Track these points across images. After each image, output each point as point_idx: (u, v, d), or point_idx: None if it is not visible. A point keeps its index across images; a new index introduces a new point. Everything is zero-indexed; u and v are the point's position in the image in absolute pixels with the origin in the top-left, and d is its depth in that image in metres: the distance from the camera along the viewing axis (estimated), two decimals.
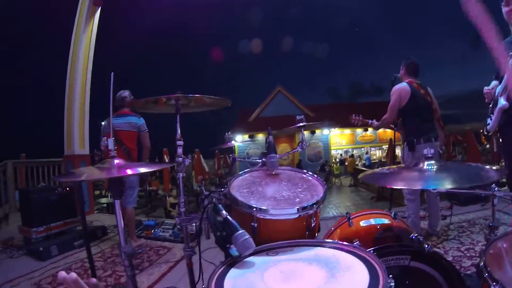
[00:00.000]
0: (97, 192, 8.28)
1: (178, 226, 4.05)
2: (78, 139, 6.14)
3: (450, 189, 1.44)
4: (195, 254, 1.57)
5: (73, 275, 0.58)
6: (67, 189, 4.33)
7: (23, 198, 4.13)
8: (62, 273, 0.58)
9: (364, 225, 1.55)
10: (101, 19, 6.55)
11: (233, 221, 1.08)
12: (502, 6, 2.20)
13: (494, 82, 2.33)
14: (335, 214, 6.86)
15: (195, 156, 7.93)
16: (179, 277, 2.87)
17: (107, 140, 1.50)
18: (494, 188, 1.42)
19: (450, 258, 2.83)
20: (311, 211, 1.34)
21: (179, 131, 1.61)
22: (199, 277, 1.47)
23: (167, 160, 6.28)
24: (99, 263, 3.34)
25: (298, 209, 1.30)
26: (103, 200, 7.91)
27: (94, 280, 0.66)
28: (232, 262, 1.05)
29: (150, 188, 6.73)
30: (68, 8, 6.52)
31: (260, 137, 18.31)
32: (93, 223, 4.82)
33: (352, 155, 18.80)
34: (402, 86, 3.28)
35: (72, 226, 4.17)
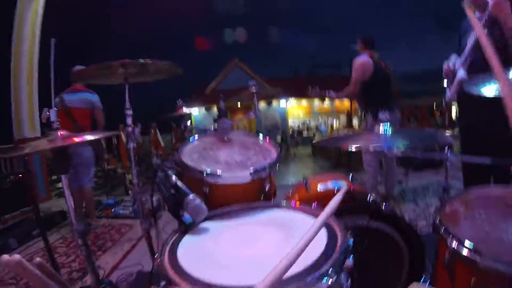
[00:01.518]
0: (54, 177, 7.86)
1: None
2: (27, 121, 5.71)
3: (406, 153, 1.48)
4: (153, 227, 1.52)
5: (16, 256, 0.54)
6: (20, 176, 4.04)
7: None
8: (5, 257, 0.54)
9: (322, 188, 1.56)
10: None
11: (183, 186, 1.03)
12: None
13: (453, 56, 2.40)
14: (294, 182, 7.01)
15: (152, 131, 7.71)
16: (142, 254, 2.81)
17: (48, 112, 1.37)
18: (447, 152, 1.47)
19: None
20: (264, 174, 1.31)
21: (128, 101, 1.51)
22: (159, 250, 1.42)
23: (123, 136, 6.04)
24: (61, 249, 3.21)
25: (251, 172, 1.27)
26: (61, 184, 7.47)
27: (38, 259, 0.62)
28: (185, 229, 1.01)
29: (109, 167, 6.46)
30: None
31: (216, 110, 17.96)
32: (52, 209, 4.58)
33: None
34: (365, 60, 3.31)
35: (30, 215, 3.91)
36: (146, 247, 2.87)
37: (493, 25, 1.98)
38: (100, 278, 2.01)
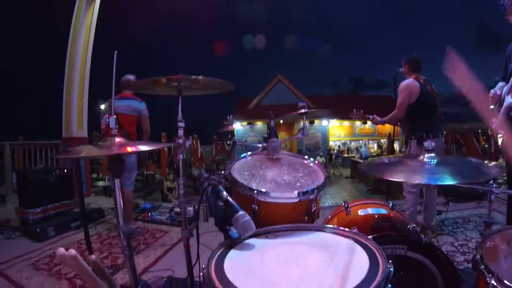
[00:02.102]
0: (94, 175, 8.26)
1: (176, 210, 4.06)
2: (76, 121, 6.07)
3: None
4: (193, 236, 1.57)
5: (72, 251, 0.58)
6: (65, 170, 4.33)
7: (20, 179, 4.10)
8: (61, 250, 0.58)
9: (362, 214, 1.56)
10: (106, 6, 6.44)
11: (234, 203, 1.08)
12: (506, 14, 2.19)
13: (500, 84, 2.32)
14: (331, 204, 6.89)
15: (193, 141, 7.90)
16: (175, 260, 2.89)
17: (108, 118, 1.47)
18: (492, 185, 1.43)
19: None
20: (311, 196, 1.34)
21: (180, 113, 1.60)
22: (196, 260, 1.47)
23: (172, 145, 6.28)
24: (96, 244, 3.35)
25: (298, 193, 1.30)
26: (100, 183, 7.89)
27: (93, 257, 0.65)
28: (231, 243, 1.05)
29: (148, 172, 6.73)
30: None
31: (259, 124, 18.15)
32: (90, 205, 4.82)
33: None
34: (411, 82, 3.23)
35: (69, 207, 4.18)
36: (178, 254, 2.98)
37: None
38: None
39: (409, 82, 3.25)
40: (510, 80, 2.12)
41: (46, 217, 3.84)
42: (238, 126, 16.79)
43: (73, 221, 3.89)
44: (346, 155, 18.55)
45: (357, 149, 19.23)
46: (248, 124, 17.96)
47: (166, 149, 7.12)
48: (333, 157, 16.34)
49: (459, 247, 3.00)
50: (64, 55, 6.20)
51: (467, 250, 2.91)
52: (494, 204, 1.52)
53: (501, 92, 2.24)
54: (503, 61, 2.35)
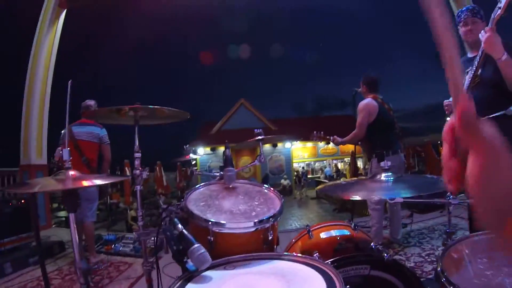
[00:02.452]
0: (55, 205, 7.82)
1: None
2: (35, 148, 5.82)
3: (408, 198, 1.49)
4: (154, 269, 1.51)
5: None
6: (22, 201, 4.06)
7: None
8: None
9: (324, 236, 1.56)
10: (69, 25, 6.33)
11: (189, 235, 1.05)
12: (459, 27, 2.35)
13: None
14: (298, 226, 6.90)
15: (157, 169, 7.77)
16: None
17: (61, 150, 1.42)
18: (449, 196, 1.49)
19: (412, 264, 2.92)
20: (267, 225, 1.33)
21: (137, 143, 1.56)
22: None
23: (128, 173, 6.08)
24: (56, 281, 3.14)
25: (254, 222, 1.30)
26: (62, 213, 7.45)
27: None
28: (189, 276, 1.02)
29: (111, 201, 6.47)
30: (32, 9, 6.25)
31: (222, 150, 17.90)
32: (50, 238, 4.55)
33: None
34: (369, 102, 3.37)
35: (28, 241, 3.90)
36: (143, 287, 2.84)
37: (486, 64, 2.05)
38: None
39: (367, 102, 3.38)
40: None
41: (2, 252, 3.57)
42: (201, 153, 16.63)
43: (32, 256, 3.63)
44: (310, 176, 18.77)
45: (321, 169, 19.60)
46: (211, 149, 17.82)
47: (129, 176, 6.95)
48: (302, 178, 16.44)
49: (426, 257, 3.09)
50: (24, 77, 5.96)
51: (434, 259, 2.99)
52: (456, 211, 1.59)
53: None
54: None
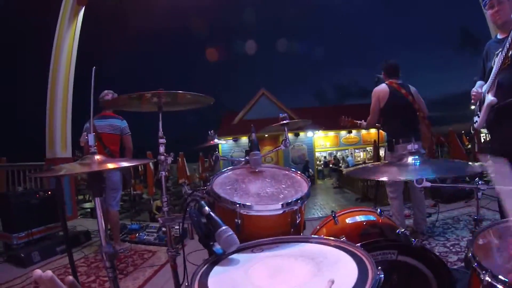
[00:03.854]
0: (80, 197, 8.06)
1: (163, 229, 3.98)
2: (60, 141, 5.97)
3: (433, 183, 1.44)
4: (179, 255, 1.53)
5: (49, 273, 0.57)
6: (49, 192, 4.21)
7: (3, 203, 3.98)
8: (38, 272, 0.57)
9: (350, 222, 1.54)
10: (88, 19, 6.43)
11: (216, 217, 1.04)
12: (485, 9, 2.26)
13: (479, 83, 2.37)
14: (320, 215, 6.85)
15: (179, 159, 7.86)
16: (164, 281, 2.82)
17: (87, 136, 1.44)
18: (478, 182, 1.43)
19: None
20: (295, 207, 1.31)
21: (161, 129, 1.57)
22: (183, 279, 1.43)
23: (151, 163, 6.19)
24: (82, 268, 3.25)
25: (282, 204, 1.28)
26: (87, 205, 7.71)
27: (70, 278, 0.64)
28: (216, 260, 1.02)
29: (135, 192, 6.61)
30: (51, 7, 6.38)
31: (244, 140, 18.11)
32: (76, 228, 4.70)
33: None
34: (381, 87, 3.33)
35: (55, 231, 4.04)
36: (167, 275, 2.91)
37: None
38: None
39: (378, 88, 3.35)
40: (490, 78, 2.16)
41: (31, 241, 3.72)
42: (222, 142, 16.82)
43: (59, 245, 3.77)
44: (332, 165, 18.62)
45: (343, 158, 19.37)
46: (232, 139, 17.92)
47: (152, 168, 7.09)
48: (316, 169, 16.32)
49: (451, 247, 3.02)
50: (47, 73, 6.12)
51: (459, 250, 2.93)
52: (482, 202, 1.52)
53: (482, 90, 2.28)
54: (481, 61, 2.40)
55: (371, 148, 18.22)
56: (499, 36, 2.24)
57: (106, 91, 3.78)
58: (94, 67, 1.60)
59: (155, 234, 4.09)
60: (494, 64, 2.12)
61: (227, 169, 1.62)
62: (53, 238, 3.95)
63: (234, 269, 0.97)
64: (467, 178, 3.93)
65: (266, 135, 16.17)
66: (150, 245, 3.91)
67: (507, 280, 0.84)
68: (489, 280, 0.87)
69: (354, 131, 19.25)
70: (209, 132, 1.98)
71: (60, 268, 3.28)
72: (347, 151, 20.04)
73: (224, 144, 18.12)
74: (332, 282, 0.78)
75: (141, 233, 4.15)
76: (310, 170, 17.14)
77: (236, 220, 1.22)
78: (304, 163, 17.45)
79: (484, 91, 2.23)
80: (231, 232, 1.00)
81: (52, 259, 3.56)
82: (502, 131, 2.19)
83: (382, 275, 0.83)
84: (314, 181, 15.84)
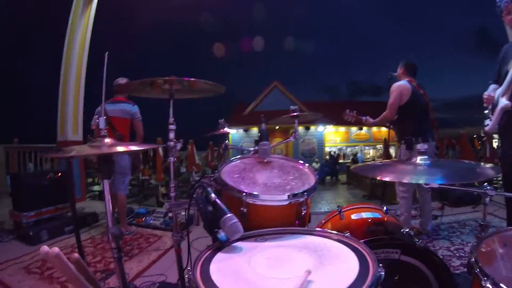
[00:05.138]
0: (89, 180, 8.18)
1: (170, 215, 4.03)
2: (71, 125, 6.05)
3: (442, 185, 1.43)
4: (184, 240, 1.55)
5: (55, 249, 0.59)
6: (59, 174, 4.29)
7: (14, 182, 4.08)
8: (45, 248, 0.59)
9: (355, 218, 1.54)
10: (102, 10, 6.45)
11: (222, 205, 1.06)
12: (503, 16, 2.21)
13: (492, 86, 2.32)
14: (327, 210, 6.85)
15: (189, 147, 7.91)
16: (168, 265, 2.86)
17: (98, 119, 1.46)
18: (487, 187, 1.40)
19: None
20: (301, 199, 1.32)
21: (171, 116, 1.58)
22: (187, 263, 1.45)
23: (160, 149, 6.23)
24: (89, 249, 3.32)
25: (288, 195, 1.29)
26: (96, 187, 7.84)
27: (76, 255, 0.66)
28: (219, 246, 1.03)
29: (143, 177, 6.69)
30: None
31: (255, 131, 18.09)
32: (85, 209, 4.79)
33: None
34: (403, 84, 3.26)
35: (63, 212, 4.13)
36: (172, 259, 2.94)
37: None
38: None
39: (401, 83, 3.28)
40: (504, 82, 2.12)
41: (40, 220, 3.80)
42: (233, 131, 16.81)
43: (67, 225, 3.85)
44: (342, 161, 18.50)
45: (353, 154, 19.22)
46: (243, 129, 17.93)
47: (162, 154, 7.15)
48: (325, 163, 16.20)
49: (455, 251, 2.99)
50: (61, 57, 6.19)
51: (463, 255, 2.90)
52: (489, 208, 1.50)
53: (495, 94, 2.24)
54: (496, 64, 2.35)
55: (381, 146, 18.06)
56: None
57: (120, 78, 3.81)
58: (107, 52, 1.61)
59: (161, 219, 4.13)
60: (510, 68, 2.08)
61: (236, 158, 1.63)
62: (61, 219, 4.03)
63: (236, 256, 0.98)
64: (476, 183, 3.88)
65: (277, 127, 16.12)
66: (156, 230, 3.96)
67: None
68: (491, 287, 0.86)
69: (365, 128, 19.09)
70: (219, 121, 1.99)
71: (67, 248, 3.36)
72: (357, 147, 19.87)
73: (235, 134, 18.14)
74: (309, 272, 0.80)
75: (147, 217, 4.20)
76: (319, 164, 17.06)
77: (241, 208, 1.23)
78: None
79: (498, 95, 2.19)
80: (235, 219, 1.01)
81: (60, 239, 3.64)
82: None
83: (383, 272, 0.84)
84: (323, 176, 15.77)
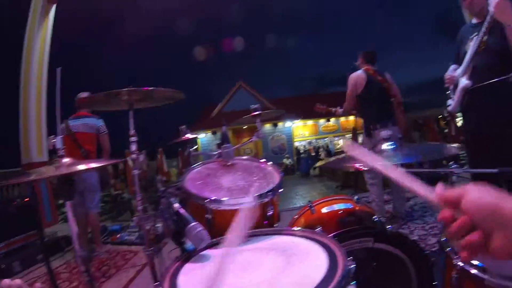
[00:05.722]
0: (61, 202, 7.85)
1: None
2: (35, 145, 5.79)
3: (408, 168, 1.46)
4: (157, 254, 1.50)
5: (17, 281, 0.55)
6: (26, 199, 4.07)
7: None
8: (6, 281, 0.55)
9: (327, 211, 1.54)
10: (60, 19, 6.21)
11: (185, 214, 1.02)
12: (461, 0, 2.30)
13: (453, 66, 2.40)
14: (302, 204, 6.89)
15: (159, 156, 7.79)
16: (147, 281, 2.77)
17: (54, 139, 1.39)
18: (453, 166, 1.44)
19: (415, 237, 2.93)
20: (266, 199, 1.31)
21: (132, 127, 1.53)
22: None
23: (130, 162, 6.07)
24: (65, 275, 3.19)
25: (253, 197, 1.25)
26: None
27: (38, 285, 0.62)
28: (187, 257, 1.00)
29: (115, 192, 6.48)
30: (20, 6, 6.13)
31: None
32: (57, 233, 4.57)
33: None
34: (358, 74, 3.37)
35: (35, 238, 3.92)
36: (149, 274, 2.87)
37: (493, 30, 1.99)
38: None
39: (354, 74, 3.38)
40: (464, 62, 2.19)
41: (11, 251, 3.61)
42: (201, 136, 16.58)
43: (40, 253, 3.66)
44: (312, 154, 18.72)
45: (324, 146, 19.48)
46: (212, 133, 17.79)
47: (132, 166, 6.91)
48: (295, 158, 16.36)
49: (430, 230, 3.09)
50: (18, 75, 5.89)
51: (438, 232, 3.00)
52: (458, 184, 1.54)
53: (455, 74, 2.32)
54: (456, 46, 2.44)
55: (350, 135, 18.39)
56: (474, 21, 2.28)
57: (81, 92, 3.68)
58: (59, 68, 1.55)
59: (136, 233, 4.06)
60: (468, 49, 2.16)
61: (199, 164, 1.60)
62: (34, 246, 3.82)
63: (205, 265, 0.95)
64: (444, 161, 4.02)
65: (245, 127, 16.08)
66: (132, 245, 3.88)
67: (481, 264, 0.85)
68: (462, 264, 0.88)
69: (332, 119, 19.32)
70: (180, 128, 1.95)
71: (42, 277, 3.20)
72: (326, 139, 20.10)
73: (203, 138, 17.96)
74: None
75: (122, 234, 4.11)
76: (290, 160, 17.18)
77: (206, 216, 1.21)
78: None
79: (459, 74, 2.27)
80: (200, 228, 0.98)
81: (34, 268, 3.48)
82: (476, 113, 2.25)
83: (353, 266, 0.83)
84: (294, 171, 15.85)
